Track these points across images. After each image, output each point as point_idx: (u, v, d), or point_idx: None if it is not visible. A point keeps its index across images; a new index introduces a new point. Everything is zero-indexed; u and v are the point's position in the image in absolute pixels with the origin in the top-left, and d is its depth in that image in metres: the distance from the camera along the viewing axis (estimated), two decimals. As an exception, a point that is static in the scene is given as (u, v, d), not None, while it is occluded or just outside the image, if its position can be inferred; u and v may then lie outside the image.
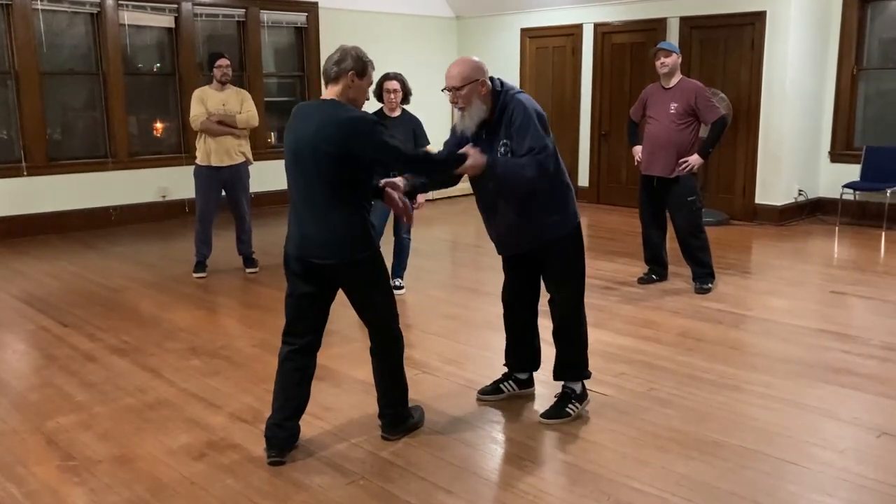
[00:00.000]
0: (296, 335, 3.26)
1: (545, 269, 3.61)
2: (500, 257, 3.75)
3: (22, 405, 3.84)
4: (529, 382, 3.91)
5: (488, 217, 3.55)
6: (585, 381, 3.71)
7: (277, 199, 9.37)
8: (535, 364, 3.88)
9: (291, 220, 3.21)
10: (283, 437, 3.24)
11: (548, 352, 3.80)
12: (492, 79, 3.38)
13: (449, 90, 3.34)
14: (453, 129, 3.55)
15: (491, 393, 3.85)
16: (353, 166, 3.07)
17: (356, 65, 3.10)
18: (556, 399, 3.67)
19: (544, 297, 3.70)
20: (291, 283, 3.25)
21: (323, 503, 2.92)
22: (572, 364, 3.66)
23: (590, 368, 3.73)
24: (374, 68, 3.22)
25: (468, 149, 3.29)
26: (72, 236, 8.02)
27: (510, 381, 3.88)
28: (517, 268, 3.70)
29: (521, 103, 3.33)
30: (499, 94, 3.36)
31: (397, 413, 3.42)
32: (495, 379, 3.91)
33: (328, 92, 3.15)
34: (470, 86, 3.30)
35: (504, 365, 3.90)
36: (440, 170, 3.42)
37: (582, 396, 3.67)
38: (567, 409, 3.60)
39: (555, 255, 3.53)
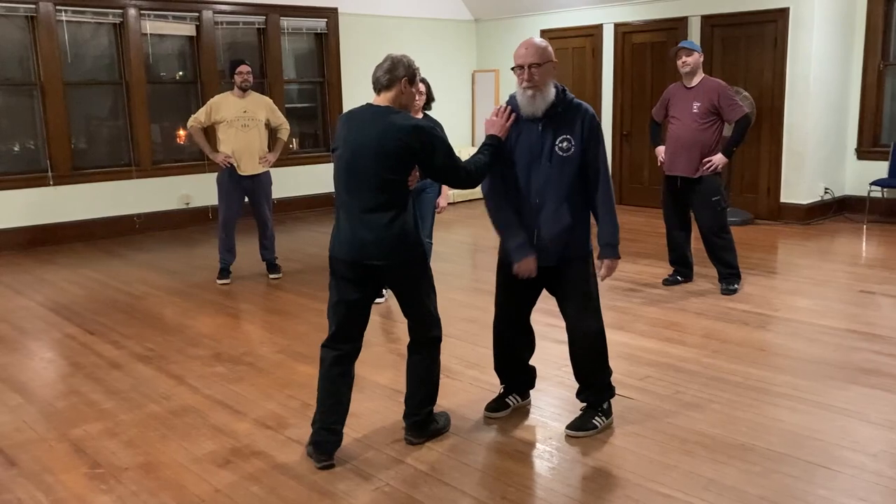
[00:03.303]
0: (344, 341, 3.27)
1: (565, 287, 3.47)
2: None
3: (49, 413, 3.88)
4: (531, 384, 3.87)
5: (527, 225, 3.38)
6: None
7: (300, 204, 9.41)
8: (531, 383, 3.87)
9: (342, 225, 3.20)
10: (333, 441, 3.26)
11: (563, 353, 3.76)
12: None
13: (526, 67, 3.25)
14: (498, 140, 3.37)
15: (496, 410, 3.73)
16: (410, 169, 3.14)
17: (408, 72, 3.17)
18: (581, 411, 3.61)
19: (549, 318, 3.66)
20: (341, 290, 3.23)
21: (347, 510, 2.92)
22: (596, 388, 3.58)
23: (615, 372, 3.69)
24: (420, 74, 3.28)
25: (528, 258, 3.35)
26: (96, 244, 8.11)
27: (514, 395, 3.81)
28: (523, 289, 3.55)
29: (595, 115, 3.37)
30: (562, 90, 3.36)
31: (423, 416, 3.41)
32: (499, 393, 3.83)
33: (380, 99, 3.18)
34: (547, 65, 3.29)
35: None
36: (500, 226, 3.43)
37: (608, 412, 3.59)
38: (593, 421, 3.52)
39: (579, 269, 3.44)
